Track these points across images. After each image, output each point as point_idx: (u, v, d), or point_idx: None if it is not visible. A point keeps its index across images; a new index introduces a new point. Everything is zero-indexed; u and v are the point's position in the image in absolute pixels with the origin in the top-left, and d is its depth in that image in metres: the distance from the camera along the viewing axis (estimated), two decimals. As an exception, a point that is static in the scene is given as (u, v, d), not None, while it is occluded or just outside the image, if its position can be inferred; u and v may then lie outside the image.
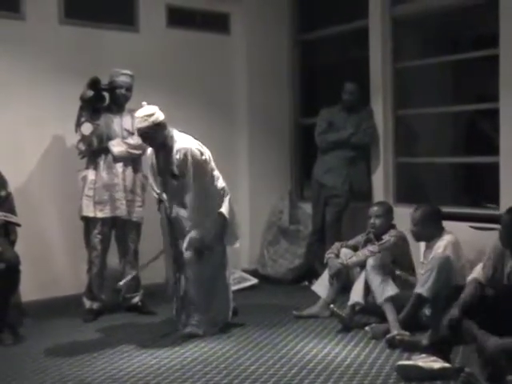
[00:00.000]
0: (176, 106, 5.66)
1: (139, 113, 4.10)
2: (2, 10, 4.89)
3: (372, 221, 4.49)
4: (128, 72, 4.81)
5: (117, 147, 4.72)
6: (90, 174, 4.72)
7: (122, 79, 4.78)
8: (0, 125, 4.76)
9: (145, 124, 4.06)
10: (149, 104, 4.16)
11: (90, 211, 4.70)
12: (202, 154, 4.18)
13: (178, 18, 5.76)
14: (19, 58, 4.95)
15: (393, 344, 3.82)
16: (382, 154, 5.46)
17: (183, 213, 4.18)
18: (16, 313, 4.42)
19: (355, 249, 4.54)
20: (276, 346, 3.96)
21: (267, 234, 6.02)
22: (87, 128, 4.67)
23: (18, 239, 4.36)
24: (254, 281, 5.71)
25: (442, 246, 4.09)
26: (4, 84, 4.88)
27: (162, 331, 4.33)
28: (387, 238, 4.40)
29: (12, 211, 4.36)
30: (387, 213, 4.54)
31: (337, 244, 4.64)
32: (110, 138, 4.74)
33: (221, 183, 4.32)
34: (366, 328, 4.15)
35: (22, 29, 4.97)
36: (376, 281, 4.16)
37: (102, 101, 4.78)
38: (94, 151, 4.73)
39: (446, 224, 4.29)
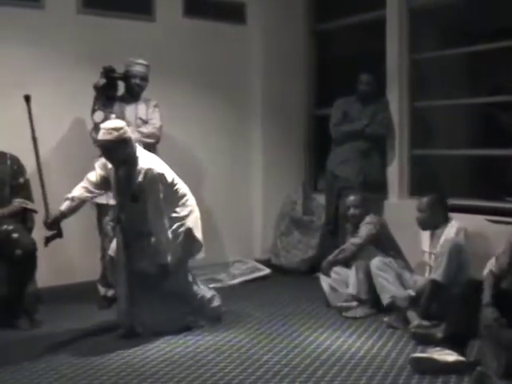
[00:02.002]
0: (191, 96, 5.71)
1: (105, 125, 3.93)
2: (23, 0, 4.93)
3: (351, 211, 4.63)
4: (143, 61, 4.83)
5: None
6: (102, 162, 4.75)
7: (137, 69, 4.81)
8: (18, 112, 4.75)
9: (108, 137, 3.83)
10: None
11: (102, 198, 4.70)
12: (163, 176, 3.97)
13: (195, 7, 5.77)
14: (38, 45, 4.98)
15: (417, 335, 3.79)
16: (397, 146, 5.44)
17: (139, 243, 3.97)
18: (32, 299, 4.47)
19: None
20: (289, 337, 3.98)
21: (280, 225, 6.03)
22: (99, 116, 4.70)
23: (34, 226, 4.41)
24: (266, 271, 5.74)
25: (452, 231, 4.15)
26: (23, 71, 4.91)
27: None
28: (364, 227, 4.53)
29: (29, 198, 4.42)
30: (364, 201, 4.68)
31: None
32: None
33: (184, 204, 4.11)
34: (385, 318, 4.17)
35: (40, 17, 5.00)
36: (383, 281, 4.20)
37: (115, 89, 4.80)
38: None
39: (461, 217, 4.29)
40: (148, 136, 4.79)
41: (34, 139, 4.11)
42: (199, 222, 4.19)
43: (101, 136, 3.88)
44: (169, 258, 3.94)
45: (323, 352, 3.69)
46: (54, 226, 4.00)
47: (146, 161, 3.94)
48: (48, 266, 4.77)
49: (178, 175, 5.39)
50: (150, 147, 4.83)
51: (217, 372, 3.40)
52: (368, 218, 4.57)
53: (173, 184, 4.06)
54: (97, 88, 4.71)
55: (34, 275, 4.32)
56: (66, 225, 5.01)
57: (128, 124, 4.73)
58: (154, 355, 3.66)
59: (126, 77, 4.82)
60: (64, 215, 4.00)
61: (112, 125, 3.90)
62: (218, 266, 5.73)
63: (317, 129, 6.35)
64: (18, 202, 4.34)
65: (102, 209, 4.76)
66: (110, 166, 4.02)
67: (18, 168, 4.42)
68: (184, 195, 4.14)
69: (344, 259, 4.58)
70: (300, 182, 6.18)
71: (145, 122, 4.83)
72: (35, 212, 4.44)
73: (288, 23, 6.16)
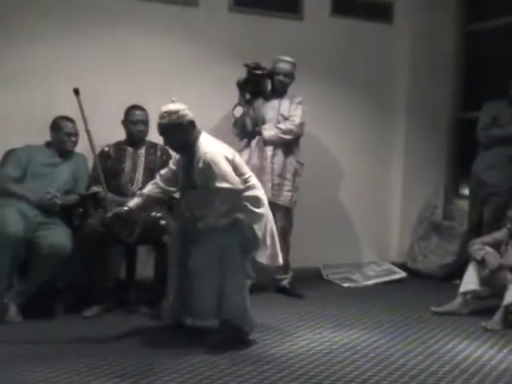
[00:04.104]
0: (334, 94, 5.72)
1: (163, 108, 3.71)
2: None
3: None
4: (288, 59, 4.91)
5: (268, 131, 4.85)
6: (244, 155, 4.87)
7: (281, 65, 4.90)
8: (166, 103, 5.00)
9: (162, 121, 3.66)
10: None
11: None
12: (226, 158, 3.65)
13: (342, 6, 5.76)
14: (193, 42, 5.18)
15: None
16: (551, 153, 5.16)
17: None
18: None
19: (494, 247, 4.46)
20: (426, 342, 3.89)
21: (418, 228, 5.91)
22: (238, 111, 4.83)
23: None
24: (402, 274, 5.66)
25: None
26: (175, 66, 5.13)
27: (309, 314, 4.42)
28: None
29: (177, 187, 4.62)
30: None
31: (478, 240, 4.55)
32: (265, 122, 4.86)
33: (253, 192, 3.74)
34: (484, 324, 4.12)
35: (194, 15, 5.20)
36: None
37: (258, 86, 4.89)
38: (249, 134, 4.88)
39: None
40: (285, 132, 4.86)
41: (87, 131, 4.06)
42: (270, 226, 3.78)
43: (158, 119, 3.71)
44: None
45: (462, 361, 3.58)
46: (117, 221, 3.88)
47: (206, 146, 3.65)
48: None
49: (317, 174, 5.51)
50: (290, 144, 4.92)
51: (352, 370, 3.39)
52: None
53: (240, 173, 3.71)
54: (238, 84, 4.84)
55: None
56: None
57: (266, 120, 4.87)
58: (289, 349, 3.71)
59: (271, 74, 4.92)
60: (131, 211, 3.86)
61: (167, 108, 3.68)
62: (352, 265, 5.72)
63: (462, 132, 6.15)
64: (166, 191, 4.54)
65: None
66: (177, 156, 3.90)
67: (167, 158, 4.62)
68: (252, 186, 3.77)
69: None
70: (441, 186, 6.01)
71: (286, 119, 4.90)
72: (181, 201, 4.65)
73: (437, 23, 6.01)
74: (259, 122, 4.87)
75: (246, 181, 3.72)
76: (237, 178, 3.64)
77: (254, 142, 4.87)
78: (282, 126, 4.86)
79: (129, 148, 4.59)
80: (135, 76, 4.95)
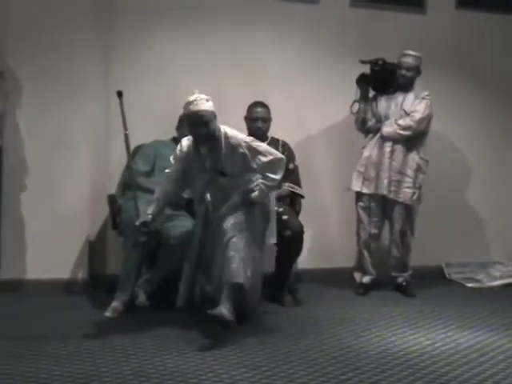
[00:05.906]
0: (460, 92, 5.54)
1: (195, 96, 3.69)
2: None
3: None
4: (412, 52, 4.82)
5: (387, 127, 4.78)
6: (366, 151, 4.87)
7: (403, 59, 4.83)
8: (287, 100, 5.04)
9: (205, 107, 3.65)
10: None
11: (357, 186, 4.86)
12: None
13: (470, -2, 5.58)
14: (312, 37, 5.19)
15: None
16: None
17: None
18: (294, 279, 4.73)
19: None
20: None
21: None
22: (354, 107, 4.82)
23: (301, 210, 4.64)
24: (528, 276, 5.41)
25: None
26: (295, 62, 5.14)
27: (432, 314, 4.33)
28: None
29: (297, 183, 4.67)
30: None
31: None
32: (387, 118, 4.81)
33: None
34: None
35: (315, 12, 5.20)
36: None
37: (377, 81, 4.82)
38: (370, 130, 4.85)
39: None
40: (404, 129, 4.76)
41: (126, 135, 3.98)
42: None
43: (194, 106, 3.66)
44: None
45: None
46: (145, 228, 3.85)
47: (234, 133, 3.80)
48: (308, 249, 4.96)
49: (442, 171, 5.35)
50: (412, 140, 4.79)
51: (480, 372, 3.28)
52: None
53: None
54: (356, 81, 4.80)
55: (299, 256, 4.54)
56: (329, 210, 5.24)
57: (392, 115, 4.79)
58: (413, 347, 3.65)
59: (393, 69, 4.83)
60: (154, 218, 3.86)
61: (201, 96, 3.68)
62: (476, 265, 5.54)
63: None
64: (286, 186, 4.60)
65: (358, 195, 4.89)
66: (178, 152, 3.89)
67: (288, 154, 4.66)
68: None
69: None
70: None
71: (407, 115, 4.80)
72: (302, 197, 4.68)
73: None
74: (381, 117, 4.81)
75: None
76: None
77: (375, 138, 4.83)
78: (402, 121, 4.77)
79: (250, 144, 4.66)
80: (254, 75, 5.01)
